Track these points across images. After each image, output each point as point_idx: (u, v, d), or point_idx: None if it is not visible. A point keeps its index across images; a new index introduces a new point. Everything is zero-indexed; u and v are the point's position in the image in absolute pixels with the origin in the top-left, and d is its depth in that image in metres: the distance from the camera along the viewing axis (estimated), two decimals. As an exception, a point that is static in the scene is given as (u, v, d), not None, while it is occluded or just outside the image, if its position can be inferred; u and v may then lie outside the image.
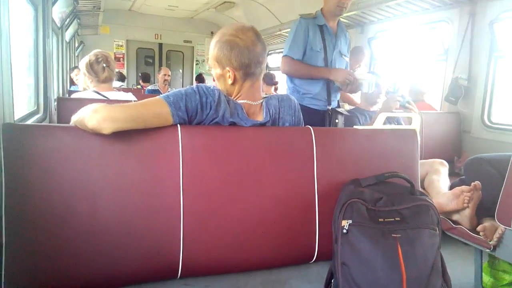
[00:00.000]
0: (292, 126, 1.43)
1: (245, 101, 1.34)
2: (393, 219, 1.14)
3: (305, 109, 2.32)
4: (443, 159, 2.81)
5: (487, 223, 1.98)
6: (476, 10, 3.35)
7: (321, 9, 2.72)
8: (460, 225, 2.14)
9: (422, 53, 4.24)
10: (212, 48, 1.32)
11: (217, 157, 1.26)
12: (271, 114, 1.36)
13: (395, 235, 1.11)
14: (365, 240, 1.11)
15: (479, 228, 1.96)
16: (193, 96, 1.23)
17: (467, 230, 2.08)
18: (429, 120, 3.37)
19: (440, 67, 3.84)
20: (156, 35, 8.78)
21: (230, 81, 1.31)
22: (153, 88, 5.38)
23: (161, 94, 1.43)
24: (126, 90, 4.42)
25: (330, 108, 2.66)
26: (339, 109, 2.67)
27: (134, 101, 2.49)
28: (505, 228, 1.83)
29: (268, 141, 1.32)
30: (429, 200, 1.21)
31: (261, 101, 1.37)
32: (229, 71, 1.30)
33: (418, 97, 3.70)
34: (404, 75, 4.30)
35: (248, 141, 1.30)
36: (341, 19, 4.74)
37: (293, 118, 1.44)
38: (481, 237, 1.96)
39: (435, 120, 3.45)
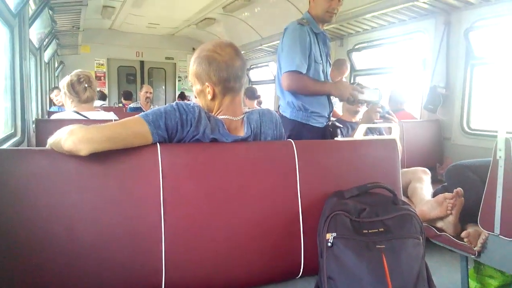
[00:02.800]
0: (273, 140, 1.43)
1: (225, 116, 1.33)
2: (377, 230, 1.14)
3: (309, 128, 2.31)
4: (425, 167, 2.85)
5: (470, 229, 2.00)
6: (451, 20, 3.45)
7: (309, 13, 2.39)
8: (445, 232, 2.15)
9: (401, 63, 4.32)
10: (192, 64, 1.33)
11: (199, 174, 1.24)
12: (252, 129, 1.36)
13: (379, 246, 1.11)
14: (350, 252, 1.11)
15: (463, 234, 1.98)
16: (173, 114, 1.22)
17: (452, 237, 2.10)
18: (410, 129, 3.42)
19: (418, 76, 3.92)
20: (138, 53, 8.76)
21: (209, 97, 1.31)
22: (135, 105, 5.34)
23: (143, 111, 1.42)
24: (108, 108, 4.38)
25: (330, 123, 2.55)
26: (337, 123, 2.61)
27: (115, 120, 2.47)
28: (489, 233, 1.85)
29: (250, 156, 1.31)
30: (412, 210, 1.21)
31: (242, 116, 1.37)
32: (208, 87, 1.30)
33: (398, 107, 3.77)
34: (384, 85, 4.37)
35: (229, 157, 1.29)
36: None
37: (275, 132, 1.44)
38: (466, 244, 1.98)
39: (416, 128, 3.50)
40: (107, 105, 6.85)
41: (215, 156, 1.27)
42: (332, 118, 3.52)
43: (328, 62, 2.45)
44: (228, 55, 1.28)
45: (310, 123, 2.34)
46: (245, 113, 1.39)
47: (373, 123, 2.49)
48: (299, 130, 2.32)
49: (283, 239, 1.32)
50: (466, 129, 3.40)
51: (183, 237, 1.20)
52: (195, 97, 1.40)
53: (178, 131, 1.23)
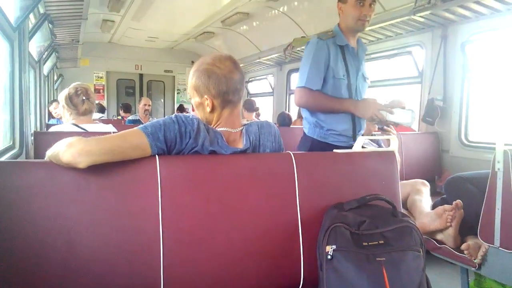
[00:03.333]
0: (272, 152, 1.43)
1: (224, 128, 1.34)
2: (377, 242, 1.13)
3: (328, 146, 2.10)
4: (424, 179, 2.85)
5: (470, 242, 2.00)
6: (447, 33, 3.49)
7: (338, 26, 2.24)
8: (445, 244, 2.14)
9: (398, 76, 4.35)
10: (191, 77, 1.33)
11: (197, 186, 1.24)
12: (251, 141, 1.36)
13: (379, 259, 1.10)
14: (350, 265, 1.10)
15: (463, 246, 1.98)
16: (172, 126, 1.22)
17: (452, 250, 2.09)
18: (409, 141, 3.43)
19: (416, 89, 3.94)
20: (137, 66, 8.82)
21: (208, 109, 1.32)
22: (133, 118, 5.35)
23: (142, 123, 1.41)
24: (106, 121, 4.39)
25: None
26: (365, 146, 2.50)
27: (114, 132, 2.47)
28: (489, 245, 1.84)
29: (249, 168, 1.31)
30: (412, 222, 1.21)
31: (240, 128, 1.37)
32: (207, 99, 1.30)
33: (396, 119, 3.77)
34: (382, 97, 4.38)
35: (228, 169, 1.29)
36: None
37: (274, 144, 1.44)
38: (466, 256, 1.97)
39: (414, 140, 3.51)
40: (106, 118, 6.85)
41: (214, 168, 1.27)
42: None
43: (360, 76, 2.24)
44: (227, 68, 1.29)
45: (329, 142, 2.15)
46: (244, 125, 1.39)
47: (372, 135, 2.49)
48: (317, 148, 2.16)
49: (282, 251, 1.31)
50: (464, 141, 3.41)
51: (182, 249, 1.19)
52: (193, 110, 1.40)
53: (177, 143, 1.23)
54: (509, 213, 1.74)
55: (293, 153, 1.37)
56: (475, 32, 3.26)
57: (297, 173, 1.33)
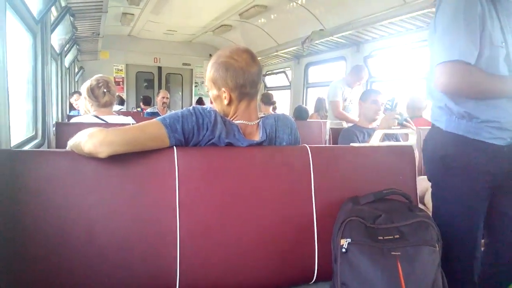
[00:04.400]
0: (289, 145, 1.43)
1: (241, 121, 1.35)
2: (393, 237, 1.13)
3: (481, 146, 1.48)
4: (443, 175, 2.80)
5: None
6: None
7: None
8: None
9: (418, 70, 4.28)
10: (209, 70, 1.35)
11: (214, 178, 1.25)
12: (267, 134, 1.37)
13: (394, 253, 1.09)
14: (365, 259, 1.10)
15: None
16: (190, 118, 1.24)
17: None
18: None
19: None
20: (155, 59, 8.90)
21: (226, 102, 1.33)
22: (152, 110, 5.42)
23: (160, 116, 1.43)
24: (126, 113, 4.45)
25: None
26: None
27: (133, 124, 2.51)
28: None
29: (265, 160, 1.32)
30: (429, 217, 1.20)
31: (257, 121, 1.38)
32: (224, 92, 1.31)
33: (416, 113, 3.72)
34: (401, 92, 4.33)
35: (244, 161, 1.30)
36: (336, 39, 4.84)
37: (290, 137, 1.44)
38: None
39: (434, 135, 3.44)
40: (125, 110, 6.95)
41: (230, 160, 1.28)
42: (346, 124, 3.51)
43: None
44: (244, 61, 1.29)
45: (482, 138, 1.49)
46: (261, 118, 1.40)
47: (391, 129, 2.46)
48: (462, 149, 1.51)
49: (297, 244, 1.32)
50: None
51: (197, 239, 1.21)
52: (211, 103, 1.42)
53: (195, 135, 1.25)
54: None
55: (309, 146, 1.37)
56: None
57: (313, 166, 1.34)
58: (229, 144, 1.28)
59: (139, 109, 7.25)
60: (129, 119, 2.63)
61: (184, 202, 1.20)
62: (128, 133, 1.15)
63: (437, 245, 1.13)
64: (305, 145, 1.38)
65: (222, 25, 6.69)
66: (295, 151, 1.38)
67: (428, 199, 2.54)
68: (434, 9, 3.22)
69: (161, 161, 1.20)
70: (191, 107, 1.28)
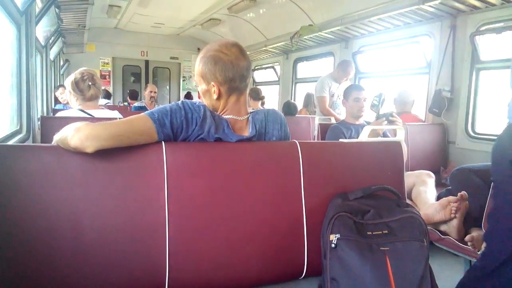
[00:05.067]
0: (278, 141, 1.43)
1: (230, 116, 1.34)
2: (381, 232, 1.14)
3: None
4: (430, 170, 2.84)
5: (474, 233, 2.00)
6: (456, 23, 3.44)
7: None
8: (448, 235, 2.15)
9: (406, 66, 4.31)
10: (197, 64, 1.33)
11: (203, 173, 1.24)
12: (257, 129, 1.36)
13: (383, 248, 1.10)
14: (354, 254, 1.10)
15: (467, 238, 1.98)
16: (178, 112, 1.22)
17: (455, 241, 2.09)
18: (415, 132, 3.41)
19: (423, 80, 3.91)
20: (143, 52, 8.79)
21: (215, 96, 1.32)
22: (139, 105, 5.36)
23: (148, 110, 1.40)
24: (112, 107, 4.40)
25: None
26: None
27: (120, 118, 2.47)
28: (492, 237, 1.84)
29: (254, 156, 1.31)
30: (416, 212, 1.21)
31: (247, 116, 1.37)
32: (214, 86, 1.30)
33: (404, 108, 3.76)
34: (388, 88, 4.36)
35: (234, 156, 1.29)
36: (324, 34, 4.85)
37: (280, 133, 1.44)
38: (469, 247, 1.97)
39: (420, 131, 3.49)
40: (112, 104, 6.87)
41: (220, 156, 1.27)
42: (335, 120, 3.54)
43: None
44: (233, 54, 1.28)
45: None
46: (250, 113, 1.39)
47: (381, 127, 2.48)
48: None
49: (286, 239, 1.32)
50: (471, 133, 3.39)
51: (187, 235, 1.20)
52: (199, 98, 1.40)
53: (183, 130, 1.23)
54: (514, 205, 1.73)
55: (298, 142, 1.37)
56: (485, 22, 3.21)
57: (302, 162, 1.33)
58: (218, 139, 1.27)
59: (126, 103, 7.17)
60: (115, 113, 2.59)
61: (173, 197, 1.18)
62: (115, 128, 1.13)
63: (425, 240, 1.14)
64: (295, 140, 1.38)
65: (210, 19, 6.63)
66: (284, 147, 1.38)
67: (415, 195, 2.57)
68: (422, 6, 3.27)
69: (149, 156, 1.19)
70: (180, 102, 1.26)
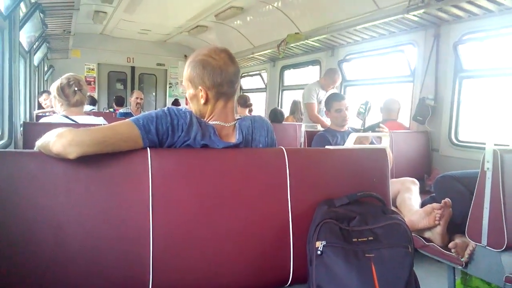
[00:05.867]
0: (265, 148, 1.43)
1: (217, 122, 1.33)
2: (367, 239, 1.14)
3: None
4: (414, 177, 2.88)
5: (458, 240, 2.02)
6: (440, 33, 3.51)
7: None
8: (432, 242, 2.17)
9: (391, 74, 4.37)
10: (186, 68, 1.33)
11: (189, 180, 1.23)
12: (244, 136, 1.36)
13: (368, 255, 1.11)
14: (339, 261, 1.11)
15: (450, 245, 2.00)
16: (164, 119, 1.21)
17: (439, 248, 2.11)
18: (399, 139, 3.45)
19: (408, 88, 3.97)
20: (129, 59, 8.73)
21: (202, 101, 1.31)
22: (125, 111, 5.30)
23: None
24: (97, 114, 4.35)
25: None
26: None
27: (104, 124, 2.44)
28: (476, 244, 1.87)
29: (241, 162, 1.31)
30: (401, 219, 1.22)
31: (234, 122, 1.37)
32: (201, 91, 1.30)
33: (389, 116, 3.81)
34: (374, 96, 4.41)
35: (220, 163, 1.28)
36: (311, 43, 4.89)
37: (267, 139, 1.44)
38: (453, 254, 1.99)
39: (405, 139, 3.53)
40: (97, 111, 6.79)
41: (206, 162, 1.26)
42: (320, 128, 3.56)
43: None
44: (222, 60, 1.29)
45: None
46: (237, 119, 1.39)
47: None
48: None
49: (272, 246, 1.31)
50: (454, 140, 3.44)
51: (172, 242, 1.18)
52: (186, 104, 1.40)
53: (169, 136, 1.22)
54: (497, 212, 1.77)
55: (285, 149, 1.37)
56: (468, 32, 3.28)
57: (289, 168, 1.33)
58: (205, 146, 1.26)
59: (111, 109, 7.09)
60: (100, 120, 2.56)
61: (158, 204, 1.17)
62: (99, 133, 1.11)
63: (410, 247, 1.15)
64: (281, 147, 1.38)
65: (197, 26, 6.63)
66: (271, 153, 1.38)
67: (400, 202, 2.59)
68: (406, 15, 3.33)
69: (134, 163, 1.17)
70: (165, 108, 1.25)
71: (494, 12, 2.98)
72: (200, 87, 1.30)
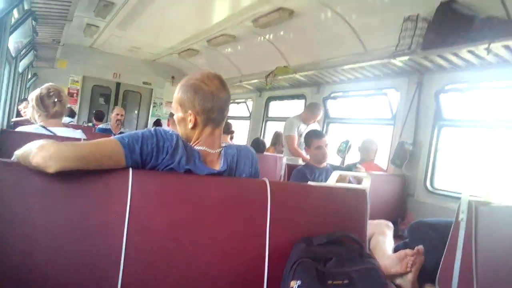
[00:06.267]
0: (248, 178, 1.42)
1: (203, 148, 1.32)
2: (342, 282, 1.13)
3: None
4: (388, 220, 2.89)
5: (428, 288, 2.02)
6: (423, 80, 3.63)
7: None
8: (403, 289, 2.16)
9: (373, 115, 4.48)
10: (177, 91, 1.33)
11: (168, 204, 1.21)
12: (228, 164, 1.35)
13: (343, 299, 1.09)
14: (313, 303, 1.09)
15: (421, 292, 1.99)
16: (150, 139, 1.20)
17: (409, 295, 2.10)
18: (376, 181, 3.46)
19: (388, 131, 4.06)
20: (115, 74, 8.68)
21: (190, 125, 1.31)
22: (104, 126, 5.21)
23: (112, 133, 1.35)
24: (76, 127, 4.26)
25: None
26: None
27: (84, 139, 2.40)
28: (446, 293, 1.87)
29: (222, 192, 1.29)
30: (377, 264, 1.21)
31: (219, 149, 1.36)
32: (190, 115, 1.30)
33: (367, 156, 3.87)
34: (355, 135, 4.49)
35: (202, 190, 1.27)
36: (298, 77, 4.99)
37: (251, 170, 1.44)
38: (423, 302, 1.98)
39: (381, 181, 3.57)
40: (75, 123, 6.66)
41: (187, 188, 1.25)
42: (301, 162, 3.59)
43: None
44: (214, 86, 1.30)
45: None
46: (223, 147, 1.38)
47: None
48: None
49: (246, 280, 1.28)
50: (429, 187, 3.50)
51: (143, 268, 1.14)
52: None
53: (153, 158, 1.21)
54: (468, 263, 1.78)
55: (268, 181, 1.36)
56: (450, 82, 3.40)
57: (270, 202, 1.32)
58: (188, 171, 1.25)
59: (90, 124, 6.97)
60: (79, 133, 2.51)
61: (134, 227, 1.13)
62: (82, 149, 1.09)
63: (384, 293, 1.14)
64: (265, 179, 1.38)
65: (189, 49, 6.69)
66: (253, 185, 1.37)
67: (374, 245, 2.59)
68: (392, 60, 3.45)
69: (114, 181, 1.14)
70: (152, 129, 1.24)
71: (476, 65, 3.10)
72: (189, 111, 1.30)
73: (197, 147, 1.31)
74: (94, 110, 7.24)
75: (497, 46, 2.70)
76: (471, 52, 2.91)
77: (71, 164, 1.05)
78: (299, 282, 1.12)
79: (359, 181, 1.62)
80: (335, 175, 1.53)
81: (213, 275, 1.24)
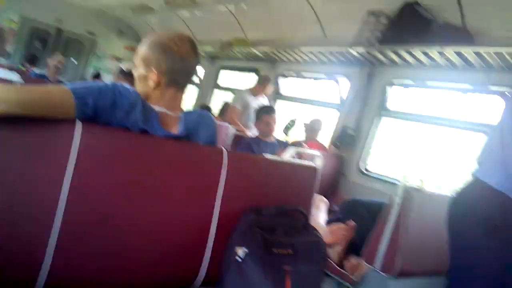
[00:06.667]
0: (205, 145, 1.38)
1: (162, 109, 1.27)
2: (287, 252, 1.18)
3: None
4: (321, 195, 3.05)
5: (353, 261, 2.19)
6: (374, 72, 3.79)
7: None
8: (329, 259, 2.30)
9: (322, 99, 4.62)
10: (142, 47, 1.26)
11: (117, 163, 1.15)
12: (187, 129, 1.31)
13: (286, 268, 1.14)
14: (258, 270, 1.12)
15: (345, 263, 2.15)
16: (106, 94, 1.13)
17: (335, 265, 2.26)
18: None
19: (334, 115, 4.22)
20: (58, 19, 8.02)
21: (153, 84, 1.25)
22: (40, 72, 4.82)
23: (48, 80, 1.22)
24: (9, 68, 3.93)
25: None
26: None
27: (21, 83, 2.23)
28: (370, 267, 2.03)
29: (177, 156, 1.26)
30: (320, 236, 1.29)
31: (180, 114, 1.32)
32: (155, 74, 1.24)
33: (312, 136, 4.02)
34: (303, 114, 4.60)
35: (155, 153, 1.22)
36: (255, 51, 4.98)
37: (210, 139, 1.41)
38: (346, 272, 2.14)
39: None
40: (7, 64, 6.09)
41: (140, 148, 1.19)
42: (249, 134, 3.64)
43: None
44: (185, 48, 1.25)
45: None
46: (184, 112, 1.34)
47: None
48: None
49: (189, 246, 1.28)
50: (362, 169, 3.73)
51: (80, 226, 1.09)
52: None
53: (107, 114, 1.14)
54: (394, 241, 1.93)
55: (225, 150, 1.35)
56: (398, 77, 3.62)
57: (225, 170, 1.32)
58: (144, 131, 1.20)
59: (21, 66, 6.39)
60: (15, 75, 2.33)
61: (77, 184, 1.06)
62: (28, 94, 1.00)
63: (323, 265, 1.21)
64: (222, 147, 1.37)
65: (144, 5, 6.32)
66: (210, 152, 1.35)
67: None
68: (349, 49, 3.56)
69: (59, 133, 1.06)
70: (111, 83, 1.17)
71: (426, 65, 3.31)
72: (154, 70, 1.24)
73: (156, 108, 1.26)
74: (26, 52, 6.62)
75: (449, 51, 2.91)
76: (424, 53, 3.11)
77: (14, 109, 0.97)
78: (246, 250, 1.15)
79: (303, 157, 1.69)
80: (290, 150, 1.58)
81: (155, 237, 1.21)
